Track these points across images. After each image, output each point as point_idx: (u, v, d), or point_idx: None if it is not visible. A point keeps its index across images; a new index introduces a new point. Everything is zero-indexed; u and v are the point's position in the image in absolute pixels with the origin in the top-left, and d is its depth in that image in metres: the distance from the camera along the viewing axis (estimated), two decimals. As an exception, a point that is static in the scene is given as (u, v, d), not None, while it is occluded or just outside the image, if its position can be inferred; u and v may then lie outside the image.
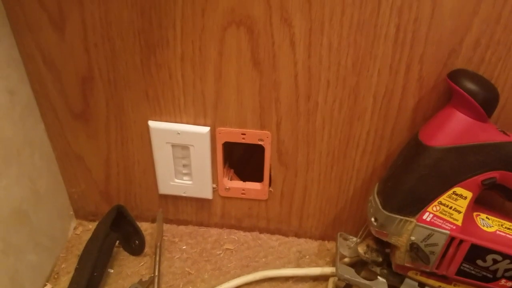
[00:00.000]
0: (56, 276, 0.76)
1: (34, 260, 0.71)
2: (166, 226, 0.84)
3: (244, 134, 0.71)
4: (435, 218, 0.59)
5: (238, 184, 0.79)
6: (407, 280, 0.67)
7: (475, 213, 0.63)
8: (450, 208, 0.59)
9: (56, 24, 0.63)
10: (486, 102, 0.56)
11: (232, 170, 0.81)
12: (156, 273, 0.74)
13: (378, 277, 0.68)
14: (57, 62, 0.66)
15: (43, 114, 0.72)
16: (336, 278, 0.73)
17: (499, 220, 0.63)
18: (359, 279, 0.68)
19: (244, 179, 0.80)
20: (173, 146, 0.73)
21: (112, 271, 0.77)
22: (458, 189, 0.58)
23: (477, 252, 0.60)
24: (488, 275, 0.62)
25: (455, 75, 0.58)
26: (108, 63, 0.65)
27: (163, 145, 0.73)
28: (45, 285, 0.74)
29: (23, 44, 0.65)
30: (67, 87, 0.69)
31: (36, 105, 0.71)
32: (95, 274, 0.71)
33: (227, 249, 0.81)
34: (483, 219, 0.62)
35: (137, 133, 0.73)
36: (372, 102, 0.65)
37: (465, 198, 0.59)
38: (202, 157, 0.73)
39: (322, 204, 0.78)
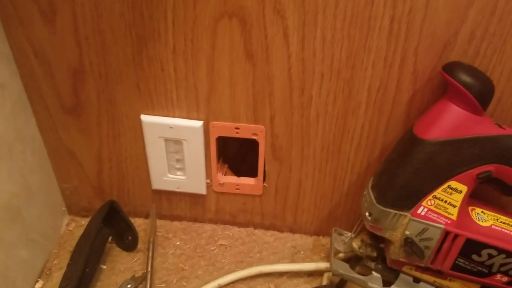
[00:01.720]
0: (48, 272, 0.75)
1: (26, 256, 0.70)
2: (159, 222, 0.83)
3: (238, 129, 0.70)
4: (429, 212, 0.59)
5: (232, 179, 0.78)
6: (401, 275, 0.66)
7: (470, 207, 0.62)
8: (445, 202, 0.58)
9: (46, 17, 0.62)
10: (481, 95, 0.56)
11: (226, 165, 0.80)
12: (149, 269, 0.74)
13: (373, 272, 0.67)
14: (48, 55, 0.65)
15: (34, 109, 0.71)
16: (331, 274, 0.73)
17: (495, 214, 0.62)
18: (353, 274, 0.67)
19: (238, 174, 0.80)
20: (166, 140, 0.72)
21: (105, 267, 0.76)
22: (453, 183, 0.58)
23: (472, 246, 0.59)
24: (484, 270, 0.61)
25: (450, 68, 0.57)
26: (99, 56, 0.65)
27: (156, 140, 0.72)
28: (37, 281, 0.73)
29: (13, 37, 0.64)
30: (58, 81, 0.68)
31: (27, 100, 0.70)
32: (88, 270, 0.70)
33: (221, 244, 0.81)
34: (478, 213, 0.62)
35: (129, 128, 0.72)
36: (366, 95, 0.64)
37: (460, 192, 0.58)
38: (196, 151, 0.73)
39: (316, 199, 0.78)
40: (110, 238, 0.78)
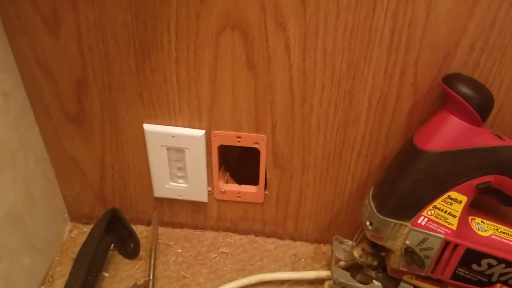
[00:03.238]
0: (50, 280, 0.75)
1: (28, 263, 0.71)
2: (161, 229, 0.84)
3: (240, 137, 0.71)
4: (430, 222, 0.59)
5: (233, 187, 0.79)
6: (402, 284, 0.66)
7: (470, 217, 0.63)
8: (445, 212, 0.59)
9: (50, 27, 0.62)
10: (481, 107, 0.56)
11: (227, 173, 0.81)
12: (151, 277, 0.74)
13: (374, 281, 0.68)
14: (52, 64, 0.66)
15: (37, 117, 0.72)
16: (332, 282, 0.73)
17: (494, 224, 0.63)
18: (354, 283, 0.67)
19: (239, 182, 0.80)
20: (168, 149, 0.72)
21: (107, 274, 0.76)
22: (453, 193, 0.58)
23: (472, 256, 0.60)
24: (483, 279, 0.61)
25: (450, 79, 0.58)
26: (102, 66, 0.65)
27: (158, 148, 0.72)
28: (40, 288, 0.74)
29: (17, 46, 0.64)
30: (62, 90, 0.68)
31: (30, 108, 0.70)
32: (90, 277, 0.70)
33: (222, 252, 0.81)
34: (478, 223, 0.62)
35: (131, 136, 0.73)
36: (367, 105, 0.65)
37: (460, 202, 0.58)
38: (197, 160, 0.73)
39: (317, 208, 0.78)
40: (112, 246, 0.78)
